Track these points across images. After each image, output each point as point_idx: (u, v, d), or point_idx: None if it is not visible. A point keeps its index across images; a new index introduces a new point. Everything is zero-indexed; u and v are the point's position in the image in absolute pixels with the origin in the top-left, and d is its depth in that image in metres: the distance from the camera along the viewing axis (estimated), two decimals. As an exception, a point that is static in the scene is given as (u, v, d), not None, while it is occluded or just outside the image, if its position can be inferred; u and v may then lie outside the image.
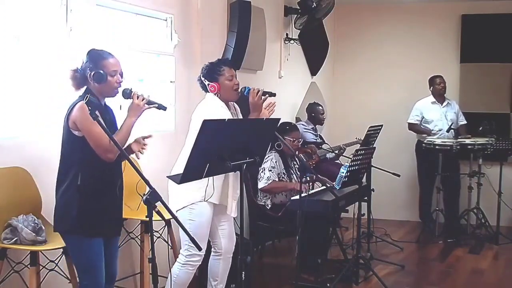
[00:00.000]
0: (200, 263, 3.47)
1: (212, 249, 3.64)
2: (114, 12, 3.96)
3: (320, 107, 6.32)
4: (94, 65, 2.81)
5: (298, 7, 6.17)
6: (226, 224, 3.60)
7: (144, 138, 3.02)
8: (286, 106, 6.39)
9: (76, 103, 2.76)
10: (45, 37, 3.33)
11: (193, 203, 3.37)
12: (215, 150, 2.75)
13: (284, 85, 6.25)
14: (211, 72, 3.51)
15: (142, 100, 2.89)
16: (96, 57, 2.84)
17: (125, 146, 2.95)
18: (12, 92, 3.20)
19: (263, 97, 3.49)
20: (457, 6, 7.10)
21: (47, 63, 3.31)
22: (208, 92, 3.52)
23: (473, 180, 6.07)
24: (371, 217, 5.44)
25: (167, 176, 3.26)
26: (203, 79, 3.53)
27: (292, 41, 6.36)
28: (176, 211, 3.39)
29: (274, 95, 3.62)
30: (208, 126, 2.74)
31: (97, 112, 2.60)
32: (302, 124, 6.16)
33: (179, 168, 3.23)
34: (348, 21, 7.52)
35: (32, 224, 2.98)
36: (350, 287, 4.60)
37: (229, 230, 3.62)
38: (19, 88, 3.22)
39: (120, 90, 2.91)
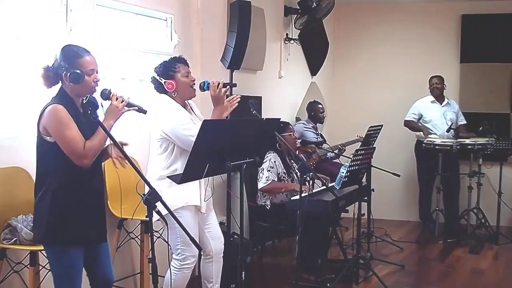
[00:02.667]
0: (195, 263, 3.44)
1: (202, 253, 3.56)
2: (114, 12, 3.96)
3: (320, 106, 6.32)
4: (70, 64, 2.60)
5: (298, 7, 6.17)
6: (211, 225, 3.54)
7: (122, 144, 2.79)
8: (286, 106, 6.39)
9: (47, 107, 2.59)
10: (45, 37, 3.33)
11: (179, 208, 3.29)
12: (215, 150, 2.74)
13: (284, 85, 6.25)
14: (167, 70, 3.37)
15: (122, 102, 2.72)
16: (71, 55, 2.63)
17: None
18: (12, 92, 3.20)
19: (223, 89, 3.36)
20: (457, 6, 7.10)
21: (47, 63, 3.30)
22: (165, 91, 3.38)
23: (473, 180, 6.06)
24: (371, 217, 5.44)
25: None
26: (158, 77, 3.38)
27: (292, 41, 6.36)
28: (165, 214, 3.36)
29: (234, 85, 3.57)
30: (208, 126, 2.73)
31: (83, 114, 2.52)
32: (303, 123, 6.16)
33: (152, 178, 3.18)
34: (348, 21, 7.52)
35: (31, 224, 2.98)
36: (350, 287, 4.60)
37: (215, 232, 3.57)
38: (19, 88, 3.22)
39: (99, 90, 2.73)
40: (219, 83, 3.35)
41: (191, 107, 3.54)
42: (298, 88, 6.73)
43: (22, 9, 3.21)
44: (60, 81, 2.68)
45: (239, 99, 3.49)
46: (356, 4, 7.40)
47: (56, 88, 2.71)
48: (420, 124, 6.53)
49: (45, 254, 2.80)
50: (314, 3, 6.03)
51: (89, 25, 3.60)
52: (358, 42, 7.53)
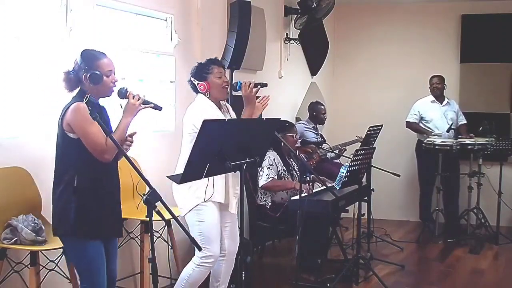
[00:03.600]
0: (214, 264, 3.47)
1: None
2: (114, 12, 3.96)
3: (322, 107, 6.32)
4: (89, 66, 2.75)
5: (298, 7, 6.17)
6: (230, 225, 3.60)
7: (130, 135, 2.92)
8: (286, 106, 6.39)
9: (70, 105, 2.71)
10: (45, 37, 3.33)
11: (198, 205, 3.38)
12: (215, 150, 2.74)
13: (284, 85, 6.25)
14: (200, 72, 3.53)
15: (138, 100, 2.85)
16: (90, 58, 2.79)
17: None
18: (12, 92, 3.20)
19: (254, 89, 3.51)
20: (457, 6, 7.10)
21: (47, 63, 3.31)
22: (199, 92, 3.54)
23: (473, 180, 6.06)
24: (371, 217, 5.44)
25: (167, 176, 3.26)
26: (192, 79, 3.55)
27: (292, 41, 6.36)
28: (184, 215, 3.41)
29: (265, 85, 3.65)
30: (208, 126, 2.74)
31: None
32: (303, 123, 6.16)
33: (180, 170, 3.23)
34: (348, 21, 7.52)
35: (32, 224, 2.98)
36: (350, 287, 4.60)
37: (233, 231, 3.62)
38: (19, 88, 3.22)
39: (116, 90, 2.87)
40: (250, 83, 3.49)
41: (227, 108, 3.64)
42: (298, 88, 6.73)
43: (22, 9, 3.21)
44: (80, 84, 2.80)
45: (270, 99, 3.66)
46: (356, 4, 7.40)
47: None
48: (422, 126, 6.53)
49: (66, 248, 2.92)
50: (314, 3, 6.03)
51: (89, 25, 3.60)
52: (358, 42, 7.53)
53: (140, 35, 4.21)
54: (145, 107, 2.89)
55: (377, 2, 7.32)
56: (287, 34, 6.33)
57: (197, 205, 3.38)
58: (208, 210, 3.40)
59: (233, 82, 3.58)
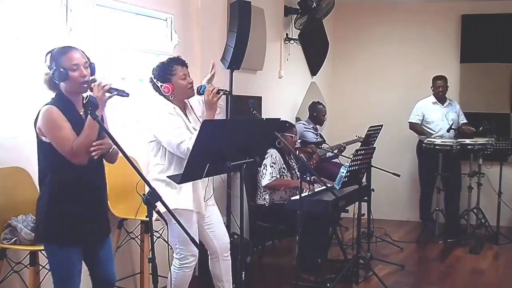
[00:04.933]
0: (195, 262, 3.43)
1: (208, 252, 3.57)
2: (114, 12, 3.96)
3: (323, 108, 6.31)
4: (56, 64, 2.63)
5: (298, 7, 6.17)
6: (213, 225, 3.52)
7: (97, 143, 2.70)
8: (286, 106, 6.39)
9: (42, 108, 2.63)
10: (45, 37, 3.32)
11: (174, 208, 3.30)
12: (215, 150, 2.74)
13: (284, 85, 6.25)
14: (163, 73, 3.35)
15: (103, 88, 2.63)
16: (56, 56, 2.66)
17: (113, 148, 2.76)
18: (12, 92, 3.20)
19: (217, 96, 3.32)
20: (457, 6, 7.10)
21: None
22: (161, 93, 3.37)
23: (473, 180, 6.06)
24: (371, 217, 5.44)
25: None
26: (155, 80, 3.36)
27: (292, 41, 6.36)
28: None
29: (228, 92, 3.50)
30: (208, 126, 2.74)
31: (82, 113, 2.53)
32: (303, 123, 6.16)
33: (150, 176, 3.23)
34: (348, 21, 7.52)
35: (32, 224, 2.98)
36: (350, 287, 4.60)
37: (218, 230, 3.54)
38: (19, 88, 3.22)
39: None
40: (214, 89, 3.32)
41: (190, 106, 3.52)
42: (298, 88, 6.73)
43: (22, 9, 3.21)
44: (56, 85, 2.70)
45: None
46: (356, 4, 7.40)
47: None
48: (425, 129, 6.52)
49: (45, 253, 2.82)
50: (314, 3, 6.02)
51: (89, 25, 3.60)
52: (358, 42, 7.53)
53: (140, 35, 4.21)
54: (110, 97, 2.67)
55: (377, 2, 7.32)
56: (287, 34, 6.33)
57: (173, 209, 3.29)
58: (182, 214, 3.25)
59: (198, 85, 3.43)
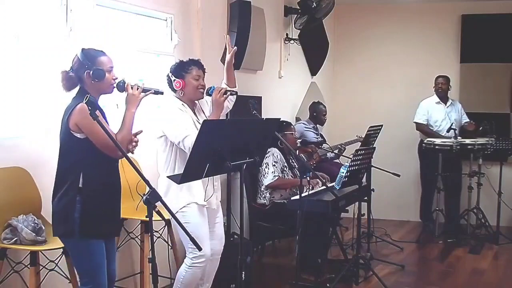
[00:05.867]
0: (206, 264, 3.45)
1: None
2: (114, 12, 3.96)
3: (324, 108, 6.31)
4: (91, 63, 2.76)
5: (298, 7, 6.17)
6: (217, 225, 3.59)
7: (135, 134, 2.91)
8: (286, 106, 6.39)
9: (76, 105, 2.70)
10: (45, 37, 3.33)
11: (183, 207, 3.36)
12: (215, 150, 2.74)
13: (284, 85, 6.25)
14: (179, 69, 3.50)
15: (137, 89, 2.87)
16: (91, 55, 2.79)
17: None
18: (12, 92, 3.20)
19: (224, 95, 3.48)
20: (457, 6, 7.10)
21: (47, 63, 3.30)
22: (173, 87, 3.50)
23: (473, 180, 6.06)
24: (371, 217, 5.44)
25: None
26: (170, 75, 3.53)
27: (292, 41, 6.36)
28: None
29: (236, 93, 3.66)
30: (208, 126, 2.74)
31: (97, 112, 2.58)
32: (303, 123, 6.16)
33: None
34: (348, 21, 7.52)
35: (32, 224, 2.98)
36: (350, 287, 4.60)
37: (218, 232, 3.61)
38: (19, 88, 3.22)
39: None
40: (222, 89, 3.48)
41: (201, 107, 3.61)
42: (298, 88, 6.73)
43: (22, 9, 3.21)
44: (79, 82, 2.80)
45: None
46: (356, 4, 7.41)
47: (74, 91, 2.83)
48: (432, 130, 6.50)
49: (68, 248, 2.90)
50: (314, 3, 6.02)
51: (89, 25, 3.60)
52: (358, 42, 7.54)
53: (140, 35, 4.21)
54: (146, 95, 2.91)
55: (377, 2, 7.32)
56: (287, 34, 6.33)
57: (182, 207, 3.36)
58: (193, 211, 3.37)
59: (208, 87, 3.56)
